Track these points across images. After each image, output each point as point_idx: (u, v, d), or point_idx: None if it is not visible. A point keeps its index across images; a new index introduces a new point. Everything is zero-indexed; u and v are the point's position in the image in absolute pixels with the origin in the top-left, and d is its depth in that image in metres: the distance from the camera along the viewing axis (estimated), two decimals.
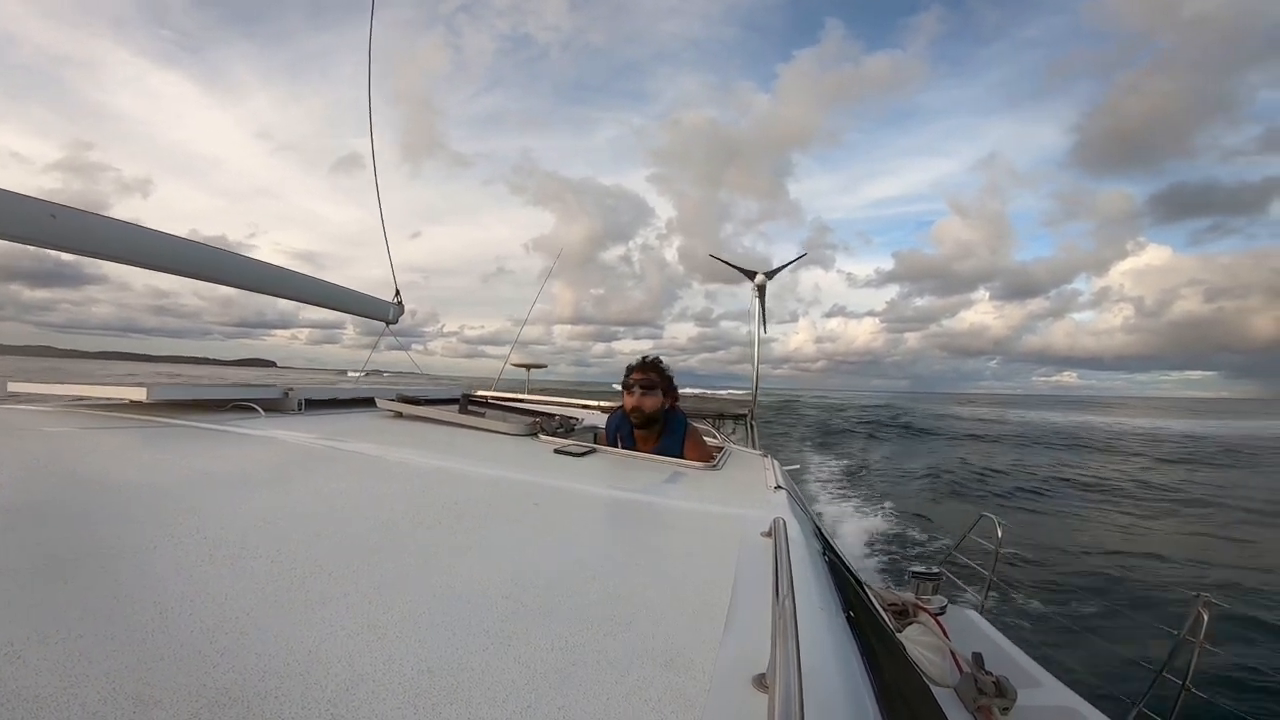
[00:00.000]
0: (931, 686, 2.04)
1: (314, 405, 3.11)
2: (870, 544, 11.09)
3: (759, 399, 10.27)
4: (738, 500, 2.22)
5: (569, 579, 1.22)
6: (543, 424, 3.17)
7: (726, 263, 12.58)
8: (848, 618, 1.40)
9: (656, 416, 3.22)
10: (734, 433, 7.96)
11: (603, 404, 5.26)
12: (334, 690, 0.75)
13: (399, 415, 3.21)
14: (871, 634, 1.43)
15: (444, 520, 1.50)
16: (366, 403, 3.44)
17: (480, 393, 4.84)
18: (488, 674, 0.83)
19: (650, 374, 3.23)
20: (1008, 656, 2.87)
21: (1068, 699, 2.44)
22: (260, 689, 0.73)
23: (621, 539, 1.56)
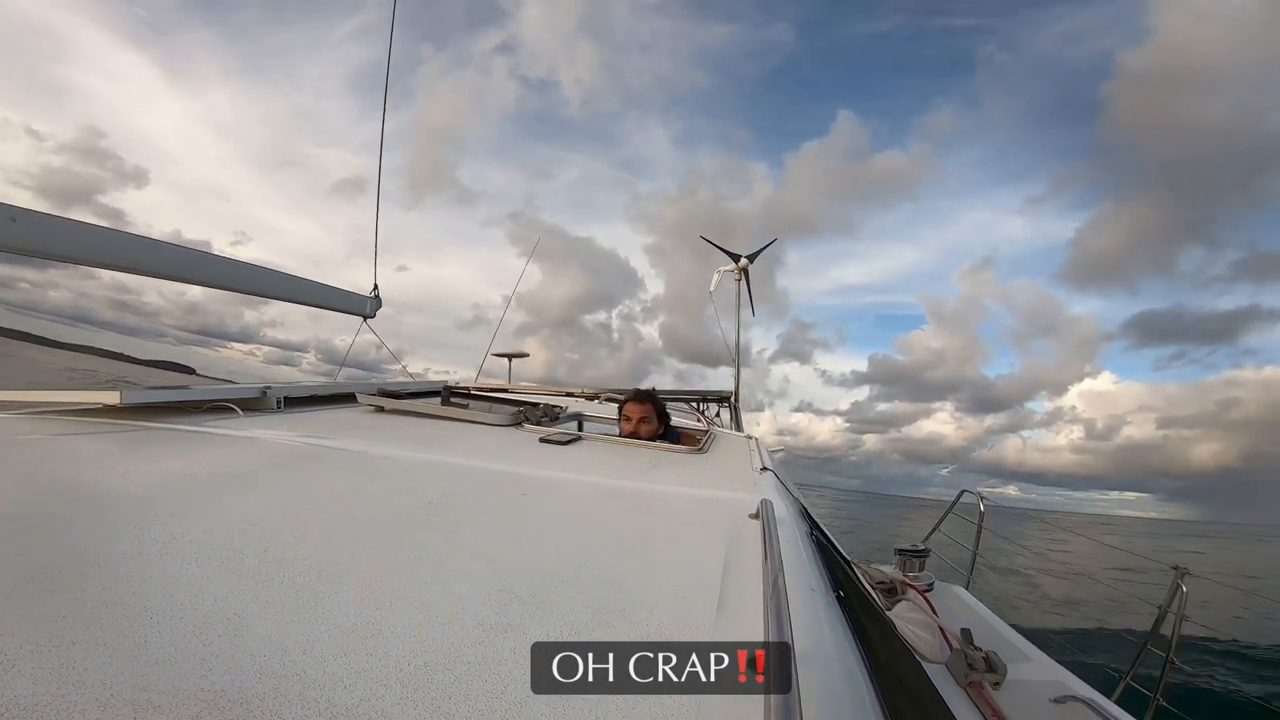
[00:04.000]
0: (923, 663, 2.06)
1: (293, 403, 3.05)
2: None
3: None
4: (725, 483, 2.23)
5: (560, 568, 1.22)
6: (527, 413, 3.15)
7: (713, 243, 12.63)
8: (837, 597, 1.41)
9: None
10: (718, 415, 7.99)
11: (586, 391, 5.25)
12: (331, 687, 0.74)
13: (381, 410, 3.17)
14: (862, 612, 1.45)
15: (432, 514, 1.49)
16: (347, 398, 3.39)
17: (462, 384, 4.79)
18: (485, 666, 0.82)
19: (647, 405, 3.30)
20: (995, 631, 2.92)
21: (1056, 673, 2.48)
22: (258, 689, 0.72)
23: (611, 526, 1.55)
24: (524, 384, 5.81)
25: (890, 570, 3.62)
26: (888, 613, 2.37)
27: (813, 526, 2.01)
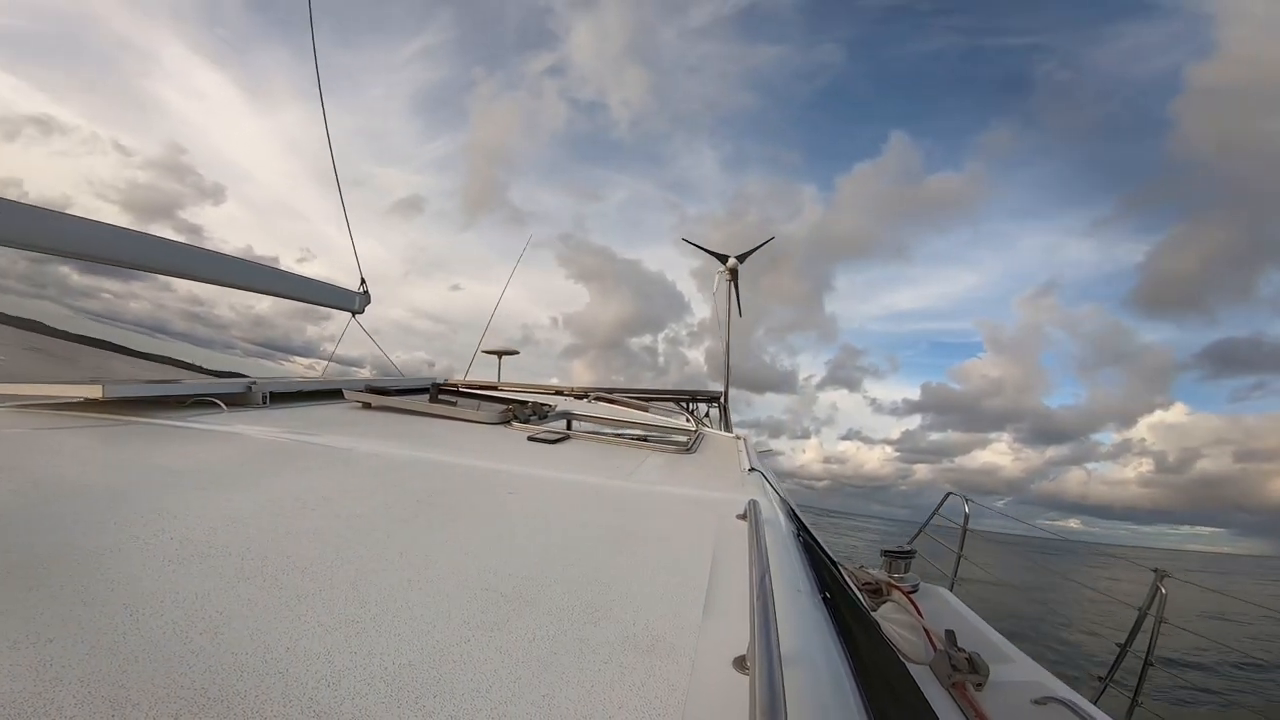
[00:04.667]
0: (907, 664, 2.08)
1: (279, 399, 3.02)
2: None
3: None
4: (713, 484, 2.23)
5: (547, 567, 1.22)
6: (515, 411, 3.13)
7: (697, 245, 12.64)
8: (824, 598, 1.42)
9: None
10: (707, 415, 8.00)
11: (575, 389, 5.24)
12: (314, 685, 0.74)
13: (367, 406, 3.14)
14: (848, 613, 1.45)
15: (418, 511, 1.48)
16: (334, 394, 3.36)
17: (451, 381, 4.77)
18: (469, 665, 0.82)
19: None
20: (979, 633, 2.94)
21: (1038, 674, 2.51)
22: (239, 687, 0.72)
23: (598, 525, 1.55)
24: (513, 382, 5.79)
25: (876, 572, 3.64)
26: (873, 614, 2.38)
27: (800, 527, 2.01)
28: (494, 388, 4.83)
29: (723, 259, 12.02)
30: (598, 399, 4.89)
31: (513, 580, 1.12)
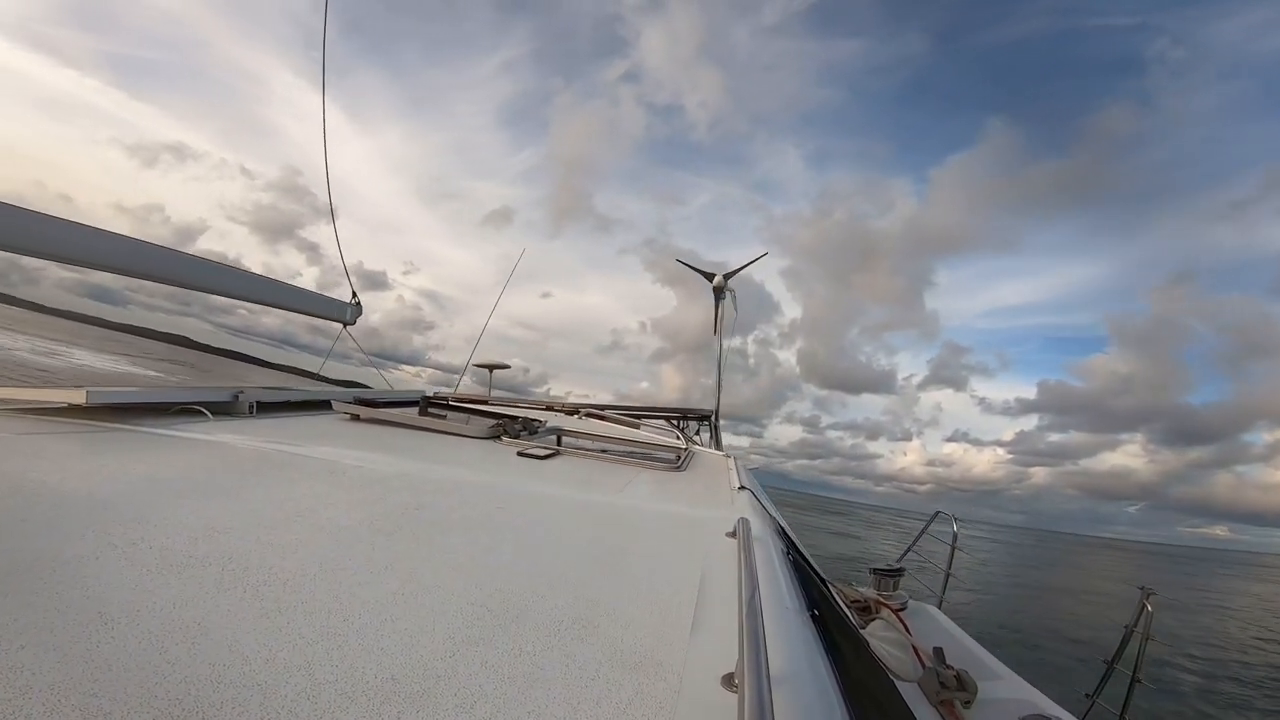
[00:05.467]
0: (895, 681, 2.07)
1: (266, 408, 2.99)
2: None
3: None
4: (702, 501, 2.23)
5: (534, 583, 1.21)
6: (505, 427, 3.13)
7: (687, 265, 12.72)
8: (813, 616, 1.41)
9: None
10: (698, 434, 7.99)
11: (566, 406, 5.22)
12: (293, 699, 0.72)
13: (356, 418, 3.13)
14: (836, 631, 1.45)
15: (404, 525, 1.46)
16: (322, 405, 3.34)
17: (441, 395, 4.74)
18: (453, 680, 0.81)
19: None
20: (967, 650, 2.94)
21: (1026, 692, 2.51)
22: (214, 699, 0.70)
23: (587, 542, 1.54)
24: (504, 396, 5.77)
25: (865, 590, 3.63)
26: (862, 631, 2.38)
27: (789, 545, 2.01)
28: (484, 402, 4.81)
29: (709, 276, 12.09)
30: (588, 415, 4.88)
31: (499, 595, 1.11)
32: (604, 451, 3.10)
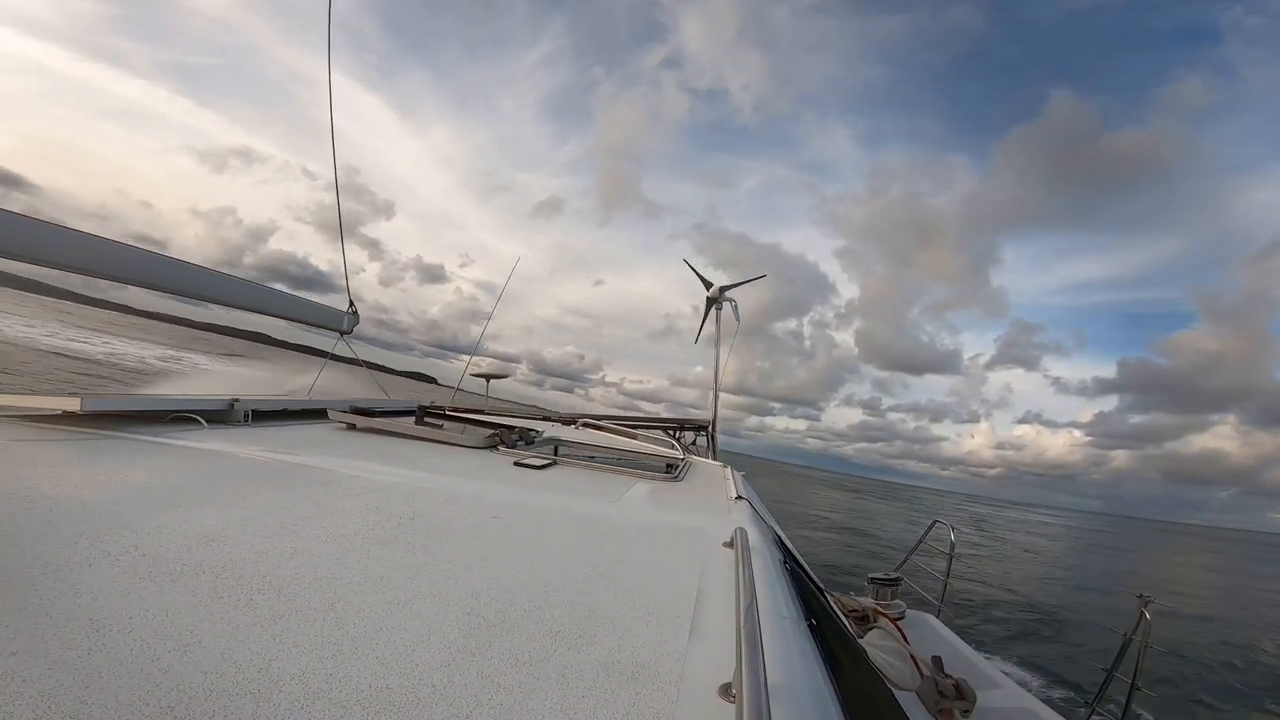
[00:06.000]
0: (894, 691, 2.07)
1: (262, 417, 2.99)
2: None
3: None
4: (699, 511, 2.23)
5: (530, 593, 1.20)
6: (502, 436, 3.13)
7: (691, 267, 12.79)
8: (810, 625, 1.41)
9: None
10: (694, 443, 8.00)
11: (563, 416, 5.23)
12: (286, 707, 0.72)
13: (352, 427, 3.12)
14: (834, 641, 1.45)
15: (399, 534, 1.46)
16: (318, 414, 3.34)
17: (438, 404, 4.74)
18: (448, 690, 0.80)
19: None
20: (965, 659, 2.93)
21: (1025, 700, 2.51)
22: (207, 707, 0.70)
23: (583, 552, 1.54)
24: (501, 404, 5.77)
25: (863, 599, 3.63)
26: (860, 641, 2.38)
27: (786, 555, 2.01)
28: (481, 412, 4.80)
29: (708, 285, 12.13)
30: (585, 425, 4.88)
31: (495, 605, 1.11)
32: (601, 461, 3.10)
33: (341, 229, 4.43)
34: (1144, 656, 3.52)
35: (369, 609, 1.02)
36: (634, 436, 4.71)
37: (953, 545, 5.17)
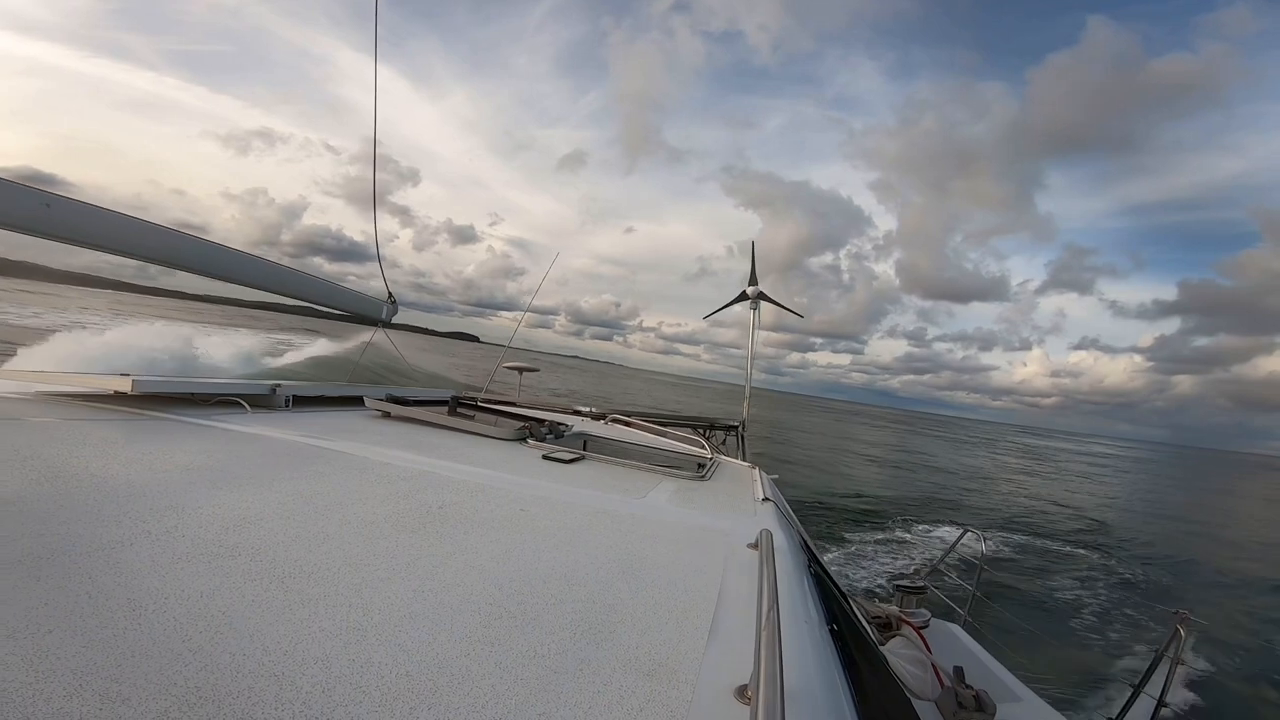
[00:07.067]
0: (912, 699, 2.04)
1: (301, 402, 3.09)
2: None
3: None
4: (725, 511, 2.22)
5: (553, 586, 1.22)
6: (532, 429, 3.16)
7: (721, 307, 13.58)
8: (831, 630, 1.40)
9: None
10: (724, 443, 7.97)
11: (594, 411, 5.26)
12: (309, 691, 0.74)
13: (387, 415, 3.20)
14: (855, 647, 1.44)
15: (428, 523, 1.49)
16: (355, 401, 3.43)
17: (470, 395, 4.82)
18: (467, 679, 0.82)
19: None
20: (989, 671, 2.88)
21: (1047, 714, 2.45)
22: (233, 688, 0.73)
23: (607, 548, 1.55)
24: (533, 398, 5.83)
25: (887, 606, 3.58)
26: (881, 648, 2.35)
27: (811, 559, 2.00)
28: (512, 404, 4.86)
29: (754, 281, 12.27)
30: (614, 421, 4.90)
31: (517, 597, 1.13)
32: (629, 457, 3.11)
33: (376, 230, 4.51)
34: (1174, 673, 3.40)
35: (395, 596, 1.05)
36: (663, 434, 4.71)
37: (982, 555, 5.06)
